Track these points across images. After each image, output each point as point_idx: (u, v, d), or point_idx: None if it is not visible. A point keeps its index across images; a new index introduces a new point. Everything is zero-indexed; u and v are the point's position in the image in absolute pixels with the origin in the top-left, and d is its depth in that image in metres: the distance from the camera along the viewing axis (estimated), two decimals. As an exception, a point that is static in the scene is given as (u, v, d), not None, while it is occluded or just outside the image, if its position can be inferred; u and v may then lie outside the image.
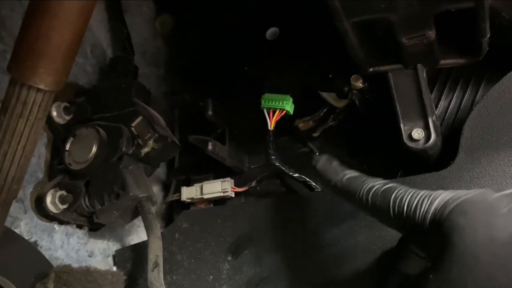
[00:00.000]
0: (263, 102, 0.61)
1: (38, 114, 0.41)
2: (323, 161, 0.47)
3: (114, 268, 0.64)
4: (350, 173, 0.45)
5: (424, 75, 0.54)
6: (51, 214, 0.58)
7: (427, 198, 0.37)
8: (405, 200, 0.38)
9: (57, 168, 0.61)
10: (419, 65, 0.54)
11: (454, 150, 0.52)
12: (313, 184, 0.62)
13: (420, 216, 0.37)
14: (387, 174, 0.56)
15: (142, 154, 0.60)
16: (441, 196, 0.36)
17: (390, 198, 0.39)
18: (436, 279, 0.34)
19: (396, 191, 0.39)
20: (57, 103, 0.63)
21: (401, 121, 0.53)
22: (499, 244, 0.32)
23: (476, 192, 0.36)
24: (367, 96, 0.60)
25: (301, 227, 0.57)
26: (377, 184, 0.41)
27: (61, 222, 0.60)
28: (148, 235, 0.56)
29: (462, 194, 0.36)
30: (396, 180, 0.53)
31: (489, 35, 0.49)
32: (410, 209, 0.37)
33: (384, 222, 0.42)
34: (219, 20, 0.76)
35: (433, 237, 0.36)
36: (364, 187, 0.41)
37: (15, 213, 0.55)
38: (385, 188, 0.40)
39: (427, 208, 0.36)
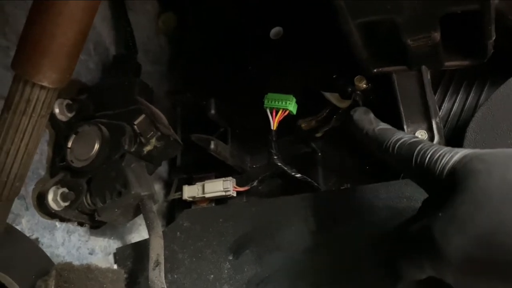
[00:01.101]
0: (266, 101, 0.61)
1: (42, 111, 0.41)
2: (360, 112, 0.51)
3: (115, 266, 0.64)
4: (383, 125, 0.48)
5: (428, 76, 0.54)
6: (53, 211, 0.58)
7: (448, 152, 0.39)
8: (428, 152, 0.40)
9: (59, 165, 0.61)
10: (423, 67, 0.54)
11: (457, 152, 0.52)
12: (315, 184, 0.62)
13: (440, 167, 0.38)
14: (390, 175, 0.56)
15: (144, 152, 0.60)
16: (463, 151, 0.38)
17: (415, 150, 0.41)
18: (444, 216, 0.35)
19: (422, 144, 0.41)
20: (59, 100, 0.62)
21: (404, 122, 0.53)
22: None
23: (496, 149, 0.37)
24: (371, 97, 0.60)
25: (303, 227, 0.57)
26: (406, 136, 0.44)
27: (62, 220, 0.60)
28: (149, 234, 0.56)
29: (480, 151, 0.37)
30: (400, 182, 0.53)
31: (494, 37, 0.49)
32: (431, 160, 0.39)
33: (405, 172, 0.45)
34: (223, 19, 0.76)
35: (448, 184, 0.37)
36: (394, 137, 0.44)
37: (17, 210, 0.55)
38: (412, 141, 0.42)
39: (447, 160, 0.38)
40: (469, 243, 0.34)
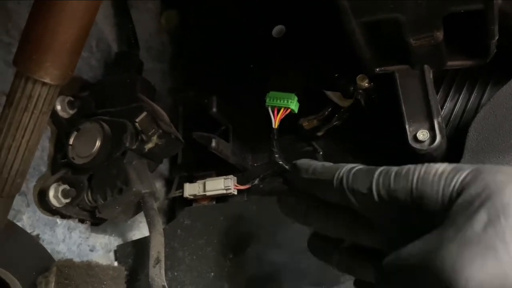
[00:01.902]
0: (267, 100, 0.60)
1: (43, 108, 0.41)
2: (304, 159, 0.42)
3: (115, 263, 0.64)
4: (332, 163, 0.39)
5: (431, 76, 0.54)
6: (54, 208, 0.58)
7: (420, 164, 0.30)
8: (392, 170, 0.31)
9: (60, 162, 0.61)
10: (425, 66, 0.53)
11: (459, 152, 0.52)
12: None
13: (416, 179, 0.30)
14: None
15: (146, 150, 0.60)
16: (441, 163, 0.30)
17: (375, 172, 0.32)
18: (457, 239, 0.25)
19: (382, 167, 0.33)
20: (61, 97, 0.63)
21: (406, 122, 0.53)
22: None
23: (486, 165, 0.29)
24: (373, 96, 0.60)
25: (303, 225, 0.57)
26: (358, 165, 0.35)
27: (63, 216, 0.60)
28: (150, 231, 0.56)
29: (472, 166, 0.29)
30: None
31: (497, 37, 0.49)
32: (400, 175, 0.31)
33: (363, 204, 0.34)
34: (225, 17, 0.76)
35: (441, 205, 0.28)
36: (346, 167, 0.35)
37: (18, 206, 0.55)
38: (370, 167, 0.34)
39: (426, 170, 0.30)
40: (494, 278, 0.24)
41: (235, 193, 0.65)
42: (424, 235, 0.28)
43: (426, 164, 0.30)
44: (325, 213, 0.39)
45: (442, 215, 0.28)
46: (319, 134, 0.65)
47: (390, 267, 0.29)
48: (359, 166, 0.35)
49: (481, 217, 0.25)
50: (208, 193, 0.65)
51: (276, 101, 0.60)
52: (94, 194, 0.58)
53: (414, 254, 0.27)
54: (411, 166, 0.31)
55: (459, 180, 0.28)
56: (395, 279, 0.28)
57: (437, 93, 0.57)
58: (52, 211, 0.59)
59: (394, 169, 0.32)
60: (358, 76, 0.58)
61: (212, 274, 0.59)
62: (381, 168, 0.33)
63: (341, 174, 0.35)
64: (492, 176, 0.27)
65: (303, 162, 0.41)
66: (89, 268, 0.54)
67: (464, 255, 0.25)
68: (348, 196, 0.34)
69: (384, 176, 0.32)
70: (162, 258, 0.53)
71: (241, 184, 0.65)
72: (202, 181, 0.66)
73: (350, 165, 0.35)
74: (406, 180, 0.30)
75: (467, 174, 0.28)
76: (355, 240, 0.39)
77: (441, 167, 0.29)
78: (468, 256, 0.25)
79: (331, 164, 0.38)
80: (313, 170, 0.39)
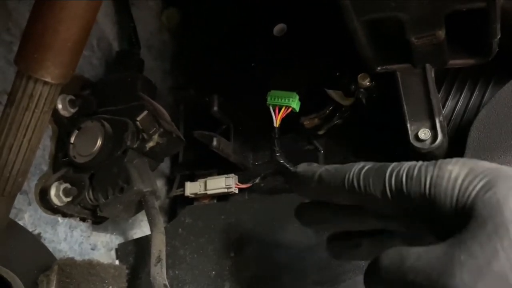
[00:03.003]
0: (269, 98, 0.60)
1: (44, 107, 0.41)
2: (303, 164, 0.41)
3: (117, 262, 0.64)
4: (336, 165, 0.38)
5: (432, 75, 0.54)
6: (55, 206, 0.58)
7: (431, 164, 0.30)
8: (403, 170, 0.31)
9: (61, 160, 0.61)
10: (427, 65, 0.53)
11: (460, 151, 0.52)
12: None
13: (428, 183, 0.29)
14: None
15: (147, 149, 0.60)
16: (454, 162, 0.29)
17: (386, 172, 0.32)
18: (472, 263, 0.25)
19: (392, 165, 0.32)
20: (62, 96, 0.63)
21: (407, 120, 0.53)
22: None
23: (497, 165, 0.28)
24: (374, 95, 0.60)
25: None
26: (369, 164, 0.34)
27: (64, 215, 0.60)
28: (151, 230, 0.56)
29: (488, 165, 0.28)
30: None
31: (499, 36, 0.48)
32: (412, 177, 0.30)
33: (381, 207, 0.33)
34: (226, 15, 0.76)
35: (455, 210, 0.28)
36: (354, 168, 0.35)
37: (19, 205, 0.55)
38: (379, 165, 0.33)
39: (438, 173, 0.29)
40: None
41: (236, 191, 0.65)
42: (431, 246, 0.27)
43: (438, 165, 0.29)
44: (349, 213, 0.38)
45: (454, 220, 0.28)
46: (320, 133, 0.65)
47: (389, 272, 0.29)
48: (367, 166, 0.34)
49: (494, 245, 0.25)
50: (209, 192, 0.65)
51: (277, 99, 0.60)
52: (96, 192, 0.58)
53: (419, 269, 0.27)
54: (422, 167, 0.30)
55: (473, 193, 0.27)
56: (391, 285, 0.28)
57: (438, 92, 0.57)
58: (54, 209, 0.59)
59: (405, 168, 0.31)
60: (360, 75, 0.58)
61: (213, 272, 0.59)
62: (391, 167, 0.32)
63: (350, 177, 0.34)
64: (506, 192, 0.26)
65: (304, 169, 0.39)
66: (90, 266, 0.54)
67: (478, 286, 0.24)
68: (361, 200, 0.34)
69: (395, 179, 0.31)
70: (163, 257, 0.53)
71: (242, 183, 0.65)
72: (203, 179, 0.66)
73: (357, 166, 0.34)
74: (418, 184, 0.30)
75: (482, 187, 0.27)
76: (386, 227, 0.37)
77: (455, 171, 0.29)
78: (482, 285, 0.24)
79: (335, 167, 0.37)
80: (319, 178, 0.37)
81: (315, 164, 0.40)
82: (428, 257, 0.27)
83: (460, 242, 0.26)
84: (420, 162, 0.31)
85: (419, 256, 0.27)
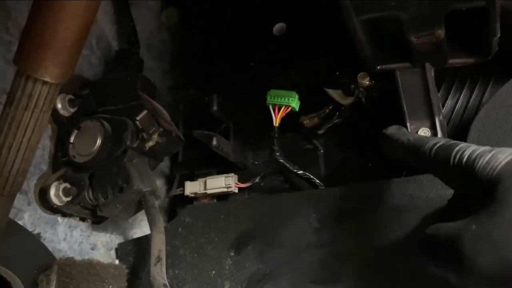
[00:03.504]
0: (268, 98, 0.60)
1: (44, 106, 0.41)
2: (394, 127, 0.51)
3: (117, 262, 0.64)
4: (418, 135, 0.49)
5: (432, 74, 0.54)
6: (55, 206, 0.58)
7: (488, 152, 0.37)
8: (467, 152, 0.39)
9: (61, 160, 0.61)
10: (427, 64, 0.53)
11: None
12: (317, 181, 0.62)
13: (479, 167, 0.37)
14: (392, 173, 0.55)
15: (147, 148, 0.60)
16: (504, 152, 0.36)
17: (453, 150, 0.40)
18: (478, 231, 0.33)
19: (460, 145, 0.40)
20: (62, 96, 0.62)
21: (407, 120, 0.53)
22: None
23: None
24: (374, 94, 0.60)
25: (304, 223, 0.57)
26: (443, 140, 0.43)
27: (64, 215, 0.60)
28: (151, 229, 0.56)
29: None
30: (402, 180, 0.53)
31: (499, 35, 0.48)
32: (470, 159, 0.38)
33: (442, 175, 0.43)
34: (226, 14, 0.76)
35: (488, 190, 0.35)
36: (430, 142, 0.43)
37: (19, 205, 0.55)
38: (450, 143, 0.41)
39: (488, 160, 0.36)
40: (500, 266, 0.32)
41: (236, 191, 0.65)
42: (461, 221, 0.35)
43: (492, 154, 0.37)
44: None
45: (487, 192, 0.35)
46: (320, 132, 0.65)
47: (430, 238, 0.37)
48: (439, 143, 0.42)
49: (498, 217, 0.33)
50: (209, 191, 0.65)
51: (277, 99, 0.60)
52: (95, 192, 0.58)
53: (447, 234, 0.36)
54: (480, 153, 0.38)
55: (499, 179, 0.35)
56: (432, 248, 0.37)
57: (438, 91, 0.57)
58: (53, 209, 0.59)
59: (468, 151, 0.39)
60: (359, 74, 0.58)
61: (213, 272, 0.59)
62: (458, 147, 0.40)
63: (425, 150, 0.43)
64: None
65: (392, 133, 0.50)
66: (90, 266, 0.54)
67: (479, 248, 0.33)
68: (431, 167, 0.43)
69: (459, 159, 0.39)
70: (163, 256, 0.53)
71: (242, 182, 0.66)
72: (203, 179, 0.66)
73: (432, 142, 0.43)
74: (471, 165, 0.38)
75: (504, 165, 0.35)
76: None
77: (499, 161, 0.36)
78: (482, 250, 0.33)
79: (416, 138, 0.46)
80: (401, 144, 0.47)
81: (403, 130, 0.50)
82: (455, 227, 0.35)
83: (478, 216, 0.34)
84: (482, 148, 0.38)
85: (449, 227, 0.36)
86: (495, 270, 0.32)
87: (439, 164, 0.42)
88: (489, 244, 0.32)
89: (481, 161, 0.37)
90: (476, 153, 0.38)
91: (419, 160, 0.45)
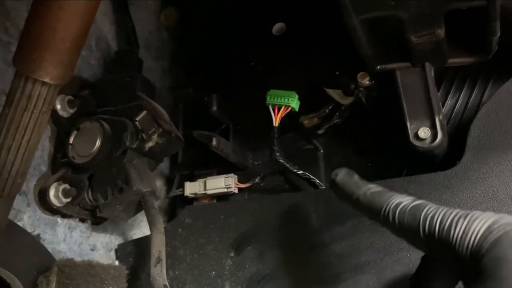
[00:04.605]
0: (268, 98, 0.60)
1: (43, 107, 0.41)
2: (343, 174, 0.44)
3: (116, 263, 0.64)
4: (374, 188, 0.41)
5: (432, 73, 0.54)
6: (54, 207, 0.58)
7: (462, 218, 0.34)
8: (437, 219, 0.35)
9: (60, 161, 0.61)
10: (427, 64, 0.53)
11: (460, 150, 0.52)
12: (317, 181, 0.62)
13: (455, 238, 0.33)
14: (392, 173, 0.55)
15: (146, 149, 0.60)
16: (480, 219, 0.33)
17: (420, 216, 0.36)
18: None
19: (426, 208, 0.36)
20: (61, 96, 0.62)
21: (407, 119, 0.53)
22: None
23: None
24: (374, 94, 0.60)
25: (304, 224, 0.57)
26: (404, 200, 0.38)
27: (64, 216, 0.60)
28: (151, 230, 0.56)
29: (507, 220, 0.32)
30: (402, 180, 0.53)
31: (498, 34, 0.48)
32: (443, 228, 0.34)
33: (412, 242, 0.38)
34: (225, 14, 0.76)
35: (470, 263, 0.33)
36: (391, 203, 0.38)
37: (18, 206, 0.55)
38: (413, 205, 0.37)
39: (464, 230, 0.33)
40: None
41: (236, 191, 0.65)
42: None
43: (468, 220, 0.33)
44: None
45: (470, 264, 0.32)
46: (320, 132, 0.64)
47: None
48: (402, 203, 0.37)
49: None
50: (208, 192, 0.65)
51: (277, 99, 0.60)
52: (95, 193, 0.58)
53: None
54: (453, 220, 0.34)
55: (483, 250, 0.32)
56: None
57: (438, 91, 0.57)
58: (53, 210, 0.58)
59: (439, 216, 0.35)
60: (359, 74, 0.58)
61: (213, 272, 0.59)
62: (425, 211, 0.36)
63: (386, 211, 0.38)
64: (506, 251, 0.31)
65: (343, 182, 0.43)
66: (90, 267, 0.54)
67: None
68: (394, 230, 0.38)
69: (429, 224, 0.35)
70: (163, 257, 0.53)
71: (242, 183, 0.65)
72: (203, 179, 0.66)
73: (393, 201, 0.38)
74: (448, 235, 0.34)
75: (492, 244, 0.32)
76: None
77: (479, 227, 0.33)
78: None
79: (373, 193, 0.40)
80: (356, 200, 0.41)
81: (355, 180, 0.43)
82: None
83: None
84: (453, 213, 0.35)
85: None
86: None
87: (405, 231, 0.37)
88: None
89: (456, 232, 0.33)
90: (448, 220, 0.34)
91: (381, 222, 0.39)
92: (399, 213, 0.37)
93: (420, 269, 0.40)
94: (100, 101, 0.62)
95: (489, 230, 0.32)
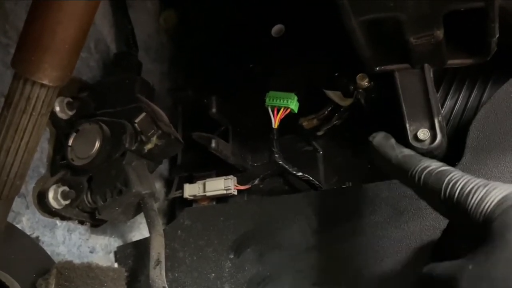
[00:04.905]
0: (267, 100, 0.60)
1: (42, 109, 0.41)
2: (380, 137, 0.47)
3: (116, 265, 0.64)
4: (407, 151, 0.44)
5: (431, 74, 0.54)
6: (53, 209, 0.58)
7: (482, 186, 0.35)
8: (459, 185, 0.37)
9: (59, 163, 0.61)
10: (426, 65, 0.53)
11: (459, 151, 0.52)
12: (316, 183, 0.62)
13: (472, 204, 0.35)
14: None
15: (145, 151, 0.60)
16: (499, 189, 0.35)
17: (444, 180, 0.38)
18: (475, 271, 0.32)
19: (451, 174, 0.38)
20: (60, 98, 0.62)
21: (406, 121, 0.53)
22: None
23: None
24: (373, 95, 0.60)
25: (304, 225, 0.57)
26: (433, 164, 0.40)
27: (63, 218, 0.60)
28: (150, 232, 0.56)
29: None
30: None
31: (497, 35, 0.48)
32: (462, 194, 0.36)
33: (432, 204, 0.40)
34: (224, 16, 0.76)
35: (482, 228, 0.34)
36: (419, 165, 0.41)
37: (17, 208, 0.55)
38: (440, 170, 0.39)
39: (481, 197, 0.35)
40: None
41: (235, 193, 0.65)
42: (455, 261, 0.34)
43: (486, 189, 0.35)
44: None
45: (482, 229, 0.34)
46: (319, 133, 0.65)
47: (426, 278, 0.36)
48: (429, 167, 0.40)
49: (496, 256, 0.32)
50: (208, 194, 0.65)
51: (276, 100, 0.60)
52: (94, 195, 0.58)
53: (442, 275, 0.34)
54: (473, 188, 0.36)
55: (494, 217, 0.34)
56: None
57: (437, 92, 0.57)
58: (52, 212, 0.58)
59: (460, 184, 0.37)
60: (358, 75, 0.58)
61: (213, 274, 0.59)
62: (449, 177, 0.38)
63: (413, 173, 0.41)
64: None
65: (380, 144, 0.46)
66: (89, 269, 0.54)
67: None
68: (417, 190, 0.41)
69: (450, 190, 0.37)
70: (163, 259, 0.53)
71: (241, 184, 0.65)
72: (202, 181, 0.66)
73: (421, 164, 0.40)
74: (465, 201, 0.36)
75: (497, 203, 0.34)
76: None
77: (494, 197, 0.35)
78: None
79: (405, 156, 0.43)
80: (389, 161, 0.44)
81: (390, 142, 0.46)
82: (451, 267, 0.34)
83: (474, 255, 0.33)
84: (476, 181, 0.36)
85: (446, 267, 0.35)
86: None
87: (428, 193, 0.39)
88: (487, 283, 0.31)
89: (474, 198, 0.35)
90: (469, 187, 0.36)
91: (407, 183, 0.42)
92: (425, 175, 0.40)
93: (443, 237, 0.43)
94: (99, 103, 0.62)
95: (504, 198, 0.34)
